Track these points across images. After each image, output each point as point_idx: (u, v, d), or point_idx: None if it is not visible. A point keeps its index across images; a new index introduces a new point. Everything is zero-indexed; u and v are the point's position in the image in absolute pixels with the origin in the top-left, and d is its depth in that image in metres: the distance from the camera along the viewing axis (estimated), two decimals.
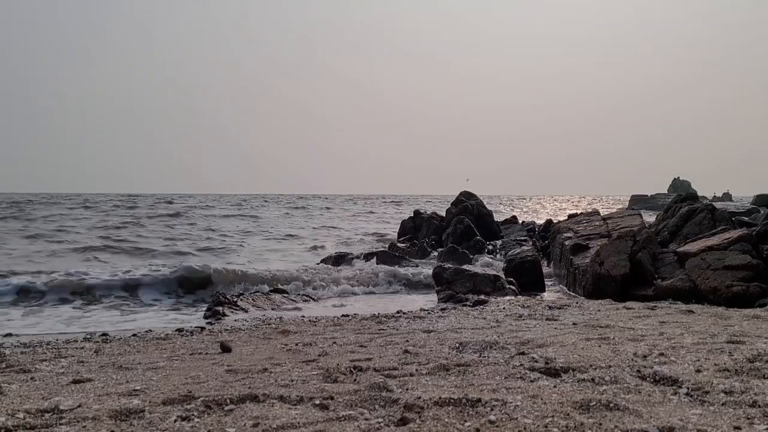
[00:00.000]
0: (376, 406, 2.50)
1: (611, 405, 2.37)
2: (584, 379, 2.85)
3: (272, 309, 7.93)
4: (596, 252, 8.44)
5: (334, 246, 18.69)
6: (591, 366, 3.10)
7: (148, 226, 25.14)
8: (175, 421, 2.34)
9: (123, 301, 9.04)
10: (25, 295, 9.00)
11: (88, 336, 5.90)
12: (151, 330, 6.26)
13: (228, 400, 2.58)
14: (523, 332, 4.55)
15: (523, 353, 3.58)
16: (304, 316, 7.19)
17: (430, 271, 9.84)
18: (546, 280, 10.16)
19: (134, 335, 5.78)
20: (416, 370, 3.20)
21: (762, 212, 14.58)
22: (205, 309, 7.82)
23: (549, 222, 17.72)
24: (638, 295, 7.36)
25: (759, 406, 2.31)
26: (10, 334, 6.13)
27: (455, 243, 14.35)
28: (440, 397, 2.52)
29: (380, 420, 2.30)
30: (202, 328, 6.19)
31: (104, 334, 5.97)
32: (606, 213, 13.65)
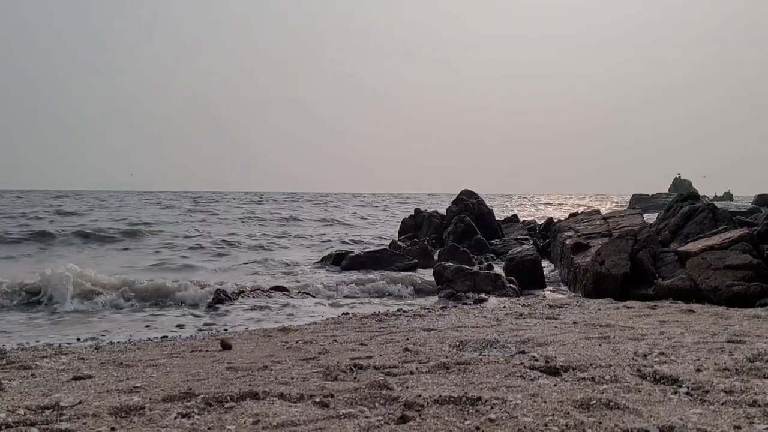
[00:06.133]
0: (377, 404, 2.50)
1: (611, 404, 2.37)
2: (584, 378, 2.85)
3: (273, 307, 7.92)
4: (597, 251, 8.43)
5: None
6: (591, 365, 3.11)
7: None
8: (176, 418, 2.34)
9: None
10: None
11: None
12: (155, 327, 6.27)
13: (228, 398, 2.59)
14: (523, 331, 4.55)
15: (523, 352, 3.58)
16: (304, 314, 7.19)
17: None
18: (546, 279, 10.16)
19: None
20: (416, 368, 3.20)
21: (763, 212, 14.55)
22: (205, 306, 7.82)
23: (550, 221, 17.69)
24: (639, 295, 7.35)
25: (759, 406, 2.31)
26: None
27: (456, 242, 14.33)
28: (440, 396, 2.52)
29: (380, 418, 2.30)
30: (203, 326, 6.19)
31: (104, 331, 5.97)
32: (606, 212, 13.63)
